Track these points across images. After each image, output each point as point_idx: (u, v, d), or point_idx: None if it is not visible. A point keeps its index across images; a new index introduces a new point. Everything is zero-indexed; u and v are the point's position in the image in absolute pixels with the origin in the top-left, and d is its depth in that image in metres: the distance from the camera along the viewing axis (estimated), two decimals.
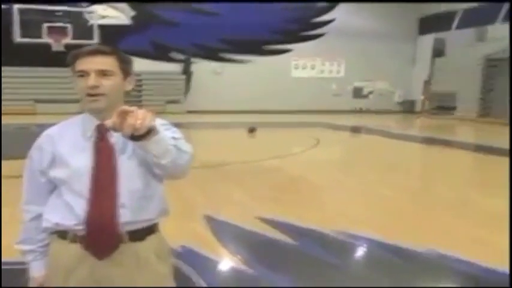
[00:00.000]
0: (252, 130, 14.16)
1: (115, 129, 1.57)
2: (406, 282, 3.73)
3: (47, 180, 1.83)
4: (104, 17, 20.52)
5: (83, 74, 1.75)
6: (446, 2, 23.64)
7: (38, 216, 1.86)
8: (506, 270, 3.77)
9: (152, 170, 1.77)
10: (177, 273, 3.65)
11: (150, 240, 1.85)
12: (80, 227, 1.74)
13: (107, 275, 1.77)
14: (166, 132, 1.74)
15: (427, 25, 25.37)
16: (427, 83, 24.10)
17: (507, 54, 19.16)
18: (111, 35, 19.77)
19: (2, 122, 15.41)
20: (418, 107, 25.28)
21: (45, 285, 1.90)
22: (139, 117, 1.53)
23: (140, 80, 20.35)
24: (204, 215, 5.25)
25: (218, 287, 3.62)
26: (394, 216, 5.70)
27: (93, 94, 1.73)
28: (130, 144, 1.73)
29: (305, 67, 25.19)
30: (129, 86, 1.85)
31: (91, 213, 1.73)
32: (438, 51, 24.00)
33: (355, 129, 17.64)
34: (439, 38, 24.18)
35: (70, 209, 1.75)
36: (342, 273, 3.90)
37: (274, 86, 23.48)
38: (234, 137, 14.24)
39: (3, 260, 3.75)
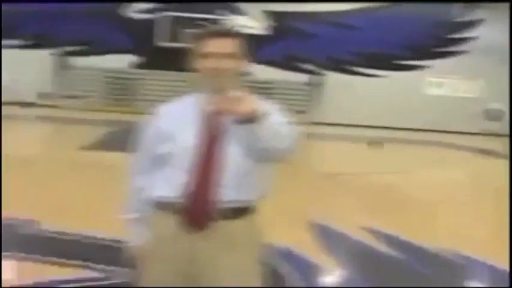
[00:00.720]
0: (375, 144, 13.89)
1: (219, 114, 1.64)
2: None
3: (154, 155, 1.91)
4: (242, 26, 21.29)
5: (209, 55, 1.82)
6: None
7: (142, 188, 1.96)
8: None
9: (255, 152, 1.79)
10: (276, 274, 3.79)
11: (244, 221, 1.88)
12: (180, 201, 1.81)
13: (199, 249, 1.83)
14: (274, 116, 1.75)
15: None
16: None
17: None
18: (248, 44, 20.53)
19: (138, 121, 16.68)
20: None
21: (144, 253, 1.99)
22: (249, 103, 1.60)
23: (271, 89, 20.82)
24: (311, 221, 5.29)
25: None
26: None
27: (217, 75, 1.81)
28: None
29: (440, 85, 24.14)
30: (245, 67, 1.93)
31: (192, 188, 1.80)
32: None
33: (483, 152, 16.52)
34: None
35: (172, 183, 1.83)
36: None
37: (406, 102, 22.72)
38: (356, 150, 14.08)
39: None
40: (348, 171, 9.50)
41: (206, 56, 1.82)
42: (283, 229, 4.82)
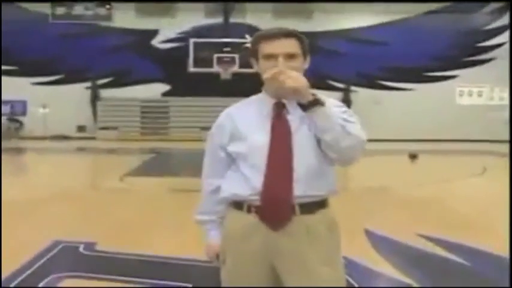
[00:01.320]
0: (413, 156, 13.80)
1: (273, 81, 1.74)
2: None
3: (226, 155, 1.94)
4: None
5: (272, 56, 1.83)
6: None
7: (217, 189, 1.97)
8: None
9: (323, 146, 1.81)
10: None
11: (321, 214, 1.89)
12: (256, 198, 1.83)
13: (279, 245, 1.84)
14: (336, 109, 1.79)
15: None
16: None
17: None
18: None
19: (172, 147, 16.87)
20: None
21: (219, 253, 1.99)
22: (291, 76, 1.69)
23: None
24: (365, 229, 5.25)
25: None
26: None
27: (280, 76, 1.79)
28: (306, 123, 1.80)
29: (471, 94, 23.83)
30: (307, 65, 1.92)
31: (267, 186, 1.81)
32: None
33: None
34: None
35: (247, 181, 1.84)
36: None
37: (438, 114, 22.48)
38: (395, 163, 14.02)
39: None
40: (391, 184, 9.43)
41: (269, 57, 1.83)
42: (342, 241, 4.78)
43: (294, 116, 1.83)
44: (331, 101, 1.86)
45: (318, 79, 21.16)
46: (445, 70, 23.46)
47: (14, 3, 21.14)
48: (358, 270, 4.01)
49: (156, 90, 22.79)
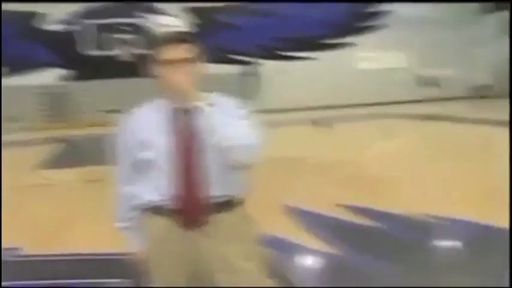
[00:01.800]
0: (321, 124, 14.17)
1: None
2: (491, 257, 3.76)
3: (135, 162, 1.94)
4: (165, 26, 20.97)
5: (168, 62, 1.85)
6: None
7: (131, 195, 2.00)
8: None
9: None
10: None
11: (236, 211, 1.97)
12: (169, 202, 1.89)
13: (200, 246, 1.93)
14: (229, 116, 1.84)
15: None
16: None
17: None
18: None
19: (79, 134, 16.34)
20: (490, 92, 24.06)
21: (142, 258, 2.06)
22: (184, 87, 1.81)
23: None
24: (284, 204, 5.45)
25: None
26: (474, 200, 5.63)
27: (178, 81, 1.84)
28: (211, 126, 1.83)
29: (369, 59, 24.89)
30: (204, 69, 1.95)
31: (177, 189, 1.88)
32: None
33: (426, 118, 17.22)
34: None
35: (158, 186, 1.90)
36: (428, 253, 4.00)
37: (340, 80, 23.31)
38: (303, 132, 14.34)
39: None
40: (303, 154, 9.73)
41: (166, 62, 1.85)
42: (257, 217, 4.96)
43: (198, 120, 1.86)
44: (223, 100, 1.95)
45: (219, 53, 21.03)
46: (340, 36, 24.19)
47: None
48: (283, 245, 4.17)
49: (55, 75, 21.65)
